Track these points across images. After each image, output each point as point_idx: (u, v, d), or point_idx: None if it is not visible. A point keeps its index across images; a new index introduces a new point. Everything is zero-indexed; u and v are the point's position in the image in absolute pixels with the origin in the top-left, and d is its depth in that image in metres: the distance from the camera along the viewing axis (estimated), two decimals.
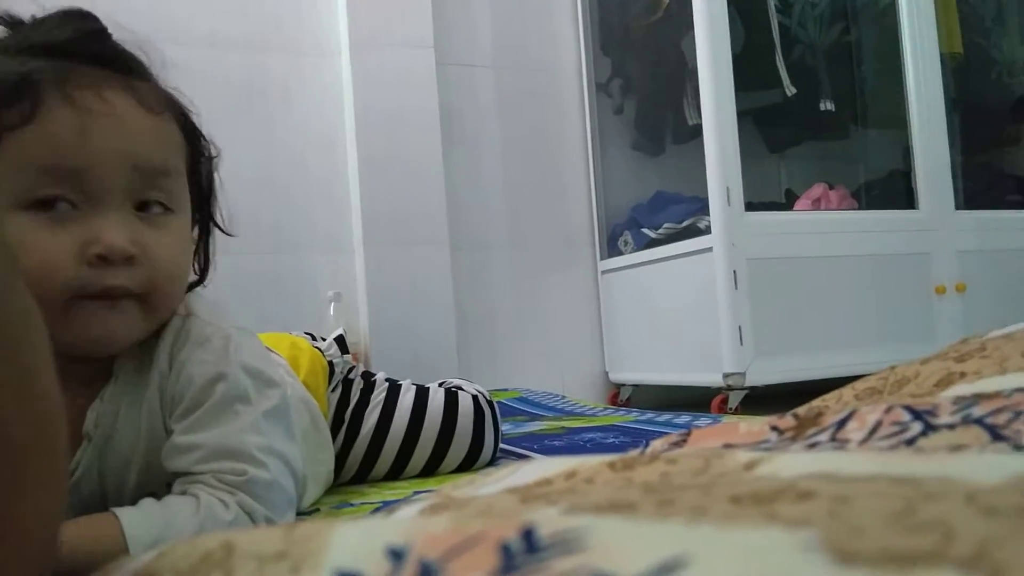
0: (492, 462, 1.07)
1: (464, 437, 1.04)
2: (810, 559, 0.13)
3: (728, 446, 0.38)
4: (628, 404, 2.10)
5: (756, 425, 0.38)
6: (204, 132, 0.72)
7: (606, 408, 1.68)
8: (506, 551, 0.15)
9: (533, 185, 2.22)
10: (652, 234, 2.05)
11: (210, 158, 0.74)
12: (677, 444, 0.40)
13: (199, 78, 1.85)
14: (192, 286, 0.74)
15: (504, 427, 1.44)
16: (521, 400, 1.77)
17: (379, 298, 1.96)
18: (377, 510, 0.82)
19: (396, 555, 0.16)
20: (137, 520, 0.59)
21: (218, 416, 0.64)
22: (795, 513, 0.16)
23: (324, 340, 1.06)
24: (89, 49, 0.62)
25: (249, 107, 1.96)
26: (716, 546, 0.14)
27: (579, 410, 1.64)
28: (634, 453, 0.30)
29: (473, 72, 2.18)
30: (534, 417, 1.53)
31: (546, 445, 1.20)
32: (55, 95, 0.60)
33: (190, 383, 0.65)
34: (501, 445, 1.11)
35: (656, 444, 0.42)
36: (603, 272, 2.20)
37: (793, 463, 0.26)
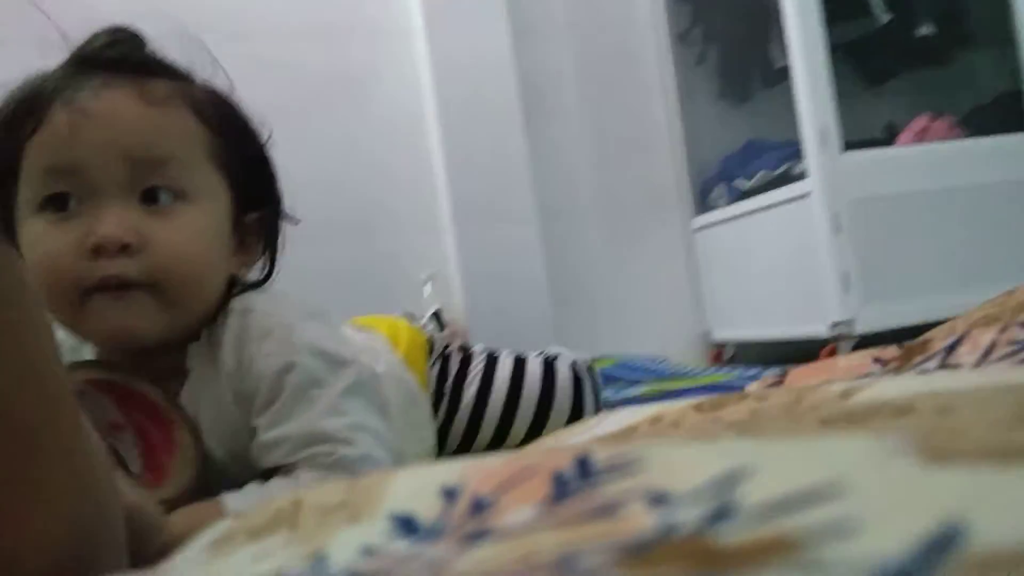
0: None
1: (563, 404, 1.03)
2: (894, 460, 0.11)
3: (828, 382, 0.35)
4: (732, 362, 2.05)
5: (857, 359, 0.36)
6: (249, 121, 0.72)
7: (708, 368, 1.64)
8: (559, 480, 0.14)
9: (616, 147, 2.18)
10: (745, 185, 1.98)
11: (258, 147, 0.73)
12: (773, 386, 0.38)
13: (279, 69, 1.90)
14: (258, 283, 0.74)
15: (605, 393, 1.43)
16: (621, 366, 1.74)
17: (473, 276, 1.97)
18: None
19: (449, 494, 0.15)
20: (241, 503, 0.61)
21: (295, 406, 0.65)
22: (890, 425, 0.14)
23: (422, 318, 1.07)
24: (107, 56, 0.65)
25: (331, 95, 1.98)
26: (786, 457, 0.12)
27: (680, 371, 1.61)
28: (731, 393, 0.29)
29: (547, 37, 2.15)
30: (634, 382, 1.51)
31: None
32: (58, 102, 0.63)
33: (260, 378, 0.66)
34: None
35: (751, 387, 0.40)
36: (696, 229, 2.15)
37: (895, 386, 0.23)
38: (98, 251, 0.61)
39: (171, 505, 0.62)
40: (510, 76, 2.00)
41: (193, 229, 0.65)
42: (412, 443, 0.86)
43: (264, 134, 0.75)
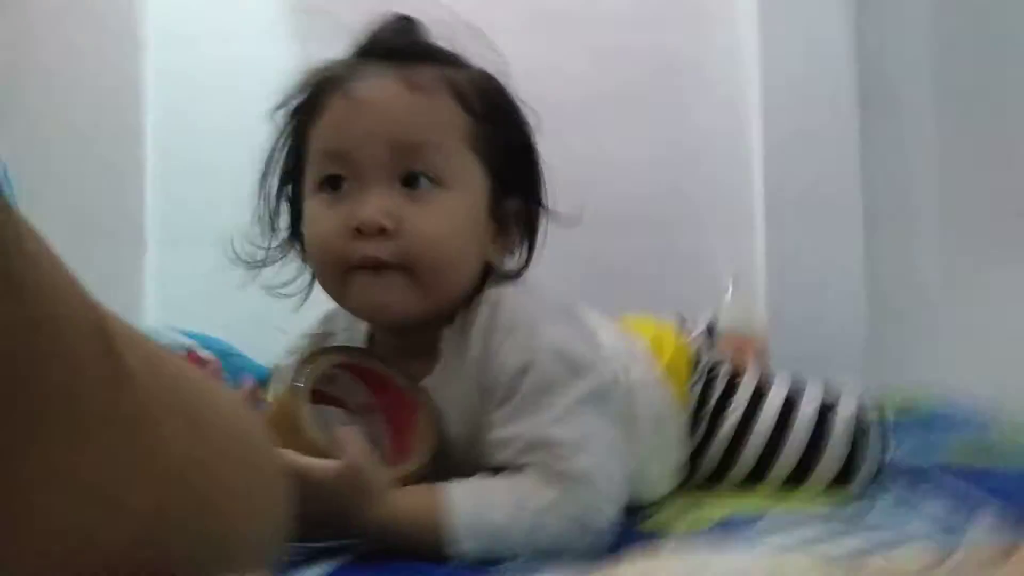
0: (875, 480, 0.92)
1: (834, 458, 0.91)
2: None
3: None
4: None
5: None
6: (516, 109, 0.75)
7: None
8: None
9: (975, 147, 1.86)
10: None
11: (523, 135, 0.76)
12: (997, 560, 0.27)
13: (601, 57, 1.89)
14: (516, 273, 0.76)
15: (908, 444, 1.23)
16: (941, 411, 1.49)
17: (781, 282, 1.83)
18: (715, 528, 0.75)
19: None
20: (460, 494, 0.64)
21: (529, 407, 0.65)
22: None
23: (694, 324, 1.02)
24: (383, 45, 0.69)
25: (650, 83, 1.94)
26: None
27: (1017, 426, 1.33)
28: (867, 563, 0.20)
29: (902, 17, 1.90)
30: (949, 430, 1.28)
31: (945, 483, 0.96)
32: (336, 91, 0.69)
33: (501, 371, 0.67)
34: (896, 470, 0.95)
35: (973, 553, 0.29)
36: None
37: None
38: (359, 232, 0.66)
39: (407, 482, 0.66)
40: (847, 60, 1.81)
41: (447, 215, 0.68)
42: (658, 461, 0.83)
43: (531, 122, 0.77)
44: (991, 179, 1.86)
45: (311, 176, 0.72)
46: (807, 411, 0.91)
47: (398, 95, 0.69)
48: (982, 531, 0.29)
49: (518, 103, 0.77)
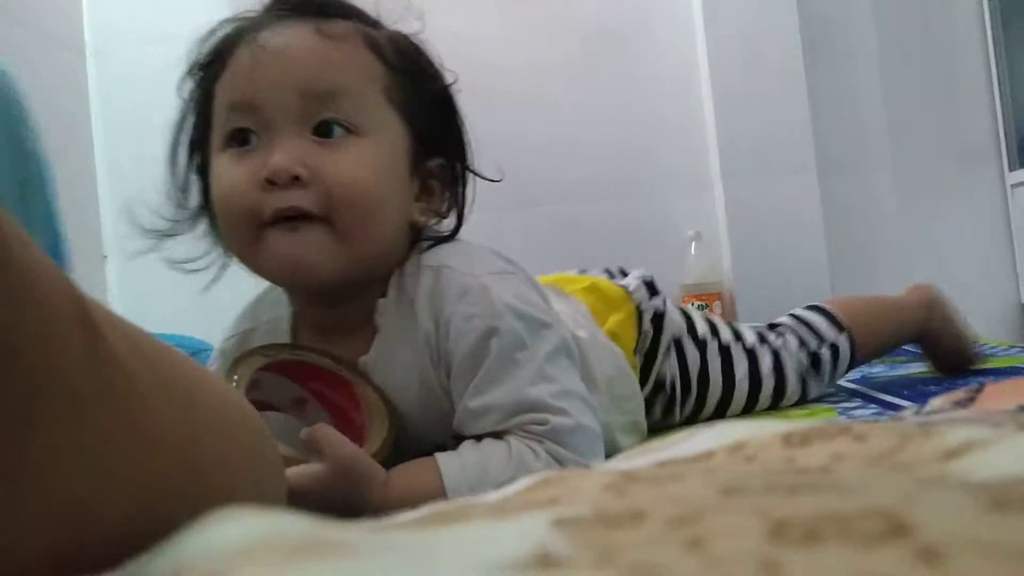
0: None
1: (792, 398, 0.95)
2: None
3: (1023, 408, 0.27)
4: None
5: None
6: (433, 64, 0.71)
7: (1013, 347, 1.40)
8: None
9: (918, 91, 1.91)
10: None
11: (441, 90, 0.71)
12: (963, 403, 0.30)
13: (549, 26, 1.91)
14: (449, 236, 0.72)
15: (876, 368, 1.29)
16: None
17: (742, 234, 1.85)
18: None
19: None
20: (455, 467, 0.61)
21: (502, 372, 0.63)
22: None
23: (625, 275, 0.94)
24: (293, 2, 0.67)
25: (600, 50, 1.95)
26: None
27: (976, 349, 1.39)
28: (836, 424, 0.22)
29: None
30: (917, 357, 1.34)
31: (919, 391, 1.03)
32: (241, 42, 0.65)
33: (459, 339, 0.64)
34: (866, 391, 0.99)
35: (935, 402, 0.32)
36: (1014, 186, 1.84)
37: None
38: (271, 183, 0.61)
39: (377, 458, 0.62)
40: (791, 14, 1.84)
41: (364, 161, 0.64)
42: (617, 414, 0.80)
43: (448, 79, 0.72)
44: (936, 121, 1.92)
45: (217, 133, 0.66)
46: (767, 377, 0.94)
47: (308, 42, 0.64)
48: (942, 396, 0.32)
49: (437, 63, 0.72)
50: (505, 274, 0.68)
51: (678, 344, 0.91)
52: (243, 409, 0.37)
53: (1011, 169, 1.85)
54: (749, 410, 0.95)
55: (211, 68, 0.68)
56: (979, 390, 0.29)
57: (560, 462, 0.62)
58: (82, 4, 1.88)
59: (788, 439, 0.22)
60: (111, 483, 0.23)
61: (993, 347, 1.40)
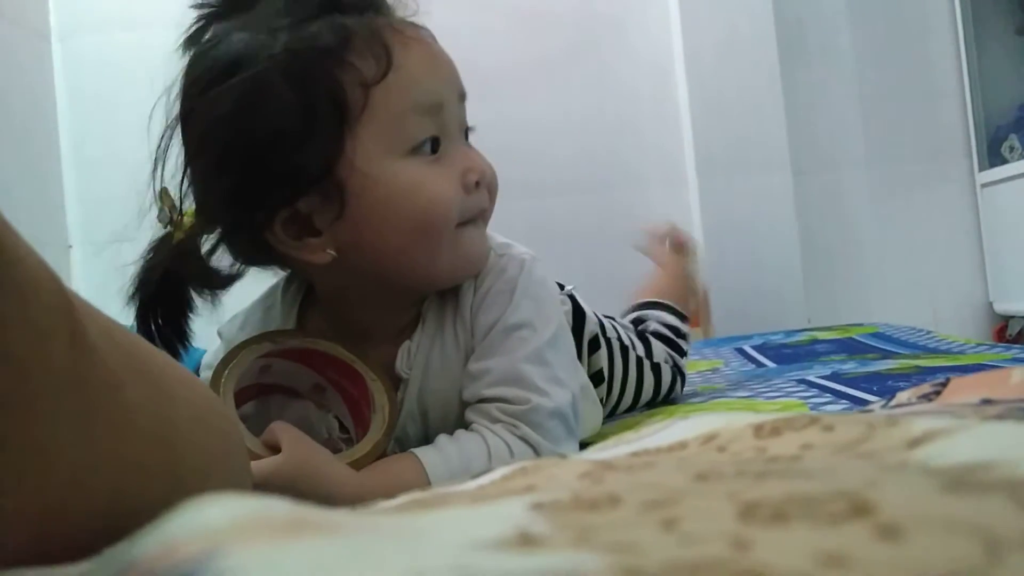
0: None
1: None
2: None
3: (987, 402, 0.28)
4: (1019, 339, 1.78)
5: None
6: None
7: (980, 344, 1.43)
8: None
9: (892, 92, 1.94)
10: None
11: None
12: (928, 396, 0.31)
13: (527, 21, 1.91)
14: None
15: (847, 365, 1.30)
16: (876, 336, 1.57)
17: (716, 231, 1.87)
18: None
19: None
20: (437, 462, 0.61)
21: (504, 342, 0.65)
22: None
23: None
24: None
25: (577, 46, 1.96)
26: None
27: (945, 347, 1.41)
28: (806, 415, 0.23)
29: None
30: (887, 355, 1.36)
31: (888, 387, 1.05)
32: (395, 39, 0.60)
33: (490, 311, 0.67)
34: (836, 387, 1.00)
35: (902, 396, 0.32)
36: (983, 185, 1.87)
37: (984, 441, 0.17)
38: (478, 186, 0.65)
39: (370, 456, 0.63)
40: (766, 14, 1.85)
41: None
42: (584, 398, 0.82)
43: None
44: (906, 119, 1.95)
45: (391, 139, 0.61)
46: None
47: (441, 46, 0.65)
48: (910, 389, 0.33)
49: None
50: (535, 259, 0.71)
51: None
52: (211, 397, 0.38)
53: (981, 169, 1.88)
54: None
55: (358, 68, 0.61)
56: (944, 384, 0.30)
57: (534, 448, 0.63)
58: None
59: (759, 430, 0.23)
60: (92, 462, 0.24)
61: (961, 345, 1.43)
